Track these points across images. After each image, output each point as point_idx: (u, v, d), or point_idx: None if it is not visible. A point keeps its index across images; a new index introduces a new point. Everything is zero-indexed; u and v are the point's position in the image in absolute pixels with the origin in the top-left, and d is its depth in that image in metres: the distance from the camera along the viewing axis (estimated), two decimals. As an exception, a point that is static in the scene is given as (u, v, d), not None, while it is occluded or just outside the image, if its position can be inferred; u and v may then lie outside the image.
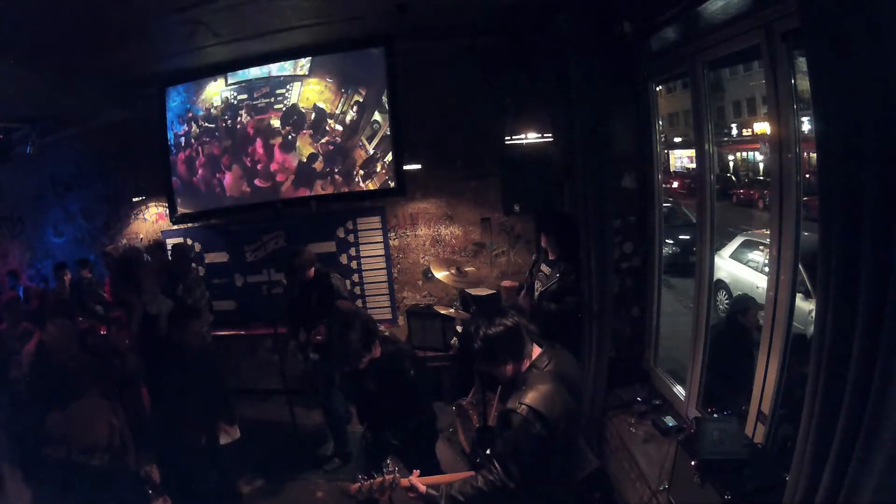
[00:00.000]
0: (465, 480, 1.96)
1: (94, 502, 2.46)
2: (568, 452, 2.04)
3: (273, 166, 5.08)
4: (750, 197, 12.75)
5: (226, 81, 5.08)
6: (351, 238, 5.30)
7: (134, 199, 5.72)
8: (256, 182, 5.14)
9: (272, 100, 5.00)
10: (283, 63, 4.92)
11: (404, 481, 2.07)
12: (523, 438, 1.83)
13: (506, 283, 4.07)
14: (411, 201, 5.19)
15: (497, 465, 1.87)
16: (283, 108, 4.99)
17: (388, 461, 2.19)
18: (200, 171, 5.27)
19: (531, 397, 1.85)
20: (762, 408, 2.45)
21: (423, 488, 2.01)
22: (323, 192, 5.04)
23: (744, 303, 3.66)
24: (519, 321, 1.99)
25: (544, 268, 3.66)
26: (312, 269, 3.97)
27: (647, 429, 3.11)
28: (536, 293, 3.67)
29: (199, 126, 5.21)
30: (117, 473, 2.51)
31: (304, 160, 5.02)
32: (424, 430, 2.90)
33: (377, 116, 4.87)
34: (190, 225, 5.54)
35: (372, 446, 2.89)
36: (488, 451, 2.11)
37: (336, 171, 5.00)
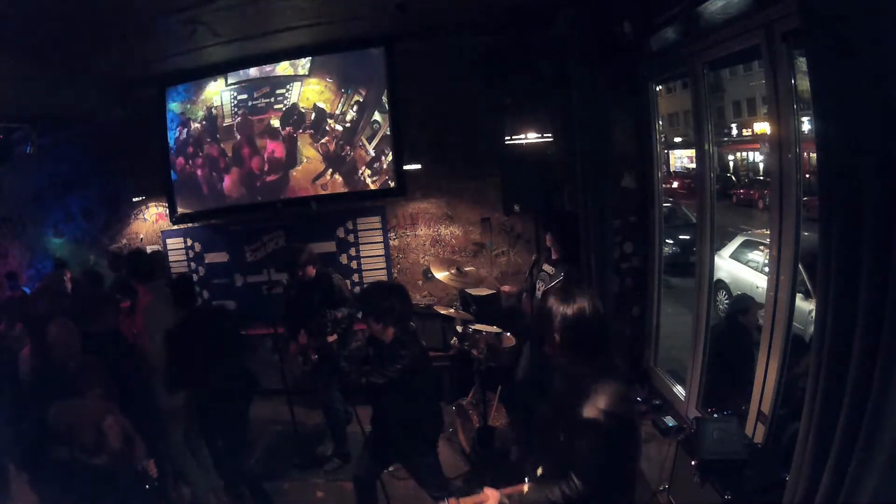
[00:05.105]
0: (538, 491, 1.84)
1: (96, 501, 2.46)
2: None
3: (272, 166, 5.08)
4: (750, 197, 12.79)
5: (226, 81, 5.08)
6: (351, 238, 5.29)
7: (134, 199, 5.71)
8: (256, 182, 5.14)
9: (272, 100, 4.99)
10: (283, 63, 4.92)
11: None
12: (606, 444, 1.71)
13: (505, 287, 4.07)
14: (411, 201, 5.18)
15: (575, 477, 1.74)
16: (283, 108, 4.98)
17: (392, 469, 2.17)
18: (200, 171, 5.27)
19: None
20: (762, 408, 2.46)
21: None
22: (323, 192, 5.05)
23: (744, 303, 3.67)
24: None
25: (547, 267, 3.64)
26: (313, 268, 3.95)
27: (647, 429, 3.11)
28: (538, 292, 3.65)
29: (199, 126, 5.21)
30: (120, 472, 2.51)
31: (304, 160, 5.02)
32: (429, 430, 2.90)
33: (377, 116, 4.87)
34: (190, 225, 5.54)
35: (375, 445, 2.90)
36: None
37: (336, 171, 5.00)
